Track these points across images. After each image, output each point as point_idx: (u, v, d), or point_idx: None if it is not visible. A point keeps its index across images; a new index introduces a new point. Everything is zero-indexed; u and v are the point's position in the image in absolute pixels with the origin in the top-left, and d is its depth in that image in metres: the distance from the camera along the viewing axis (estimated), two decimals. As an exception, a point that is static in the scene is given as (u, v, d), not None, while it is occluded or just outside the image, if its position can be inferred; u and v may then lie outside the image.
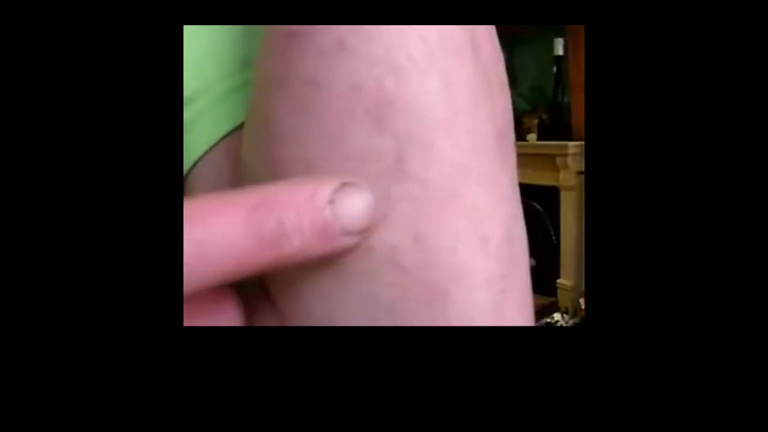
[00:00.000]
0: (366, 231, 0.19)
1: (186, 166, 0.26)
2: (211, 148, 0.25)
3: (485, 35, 0.21)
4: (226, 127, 0.25)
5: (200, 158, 0.25)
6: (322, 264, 0.20)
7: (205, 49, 0.25)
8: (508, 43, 2.69)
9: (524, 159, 2.46)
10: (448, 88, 0.19)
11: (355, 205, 0.19)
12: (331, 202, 0.18)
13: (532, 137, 2.55)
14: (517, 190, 0.23)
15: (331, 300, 0.21)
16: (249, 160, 0.22)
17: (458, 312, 0.20)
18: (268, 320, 0.23)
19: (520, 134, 2.58)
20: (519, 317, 0.22)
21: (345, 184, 0.19)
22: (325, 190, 0.18)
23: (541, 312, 2.11)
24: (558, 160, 2.33)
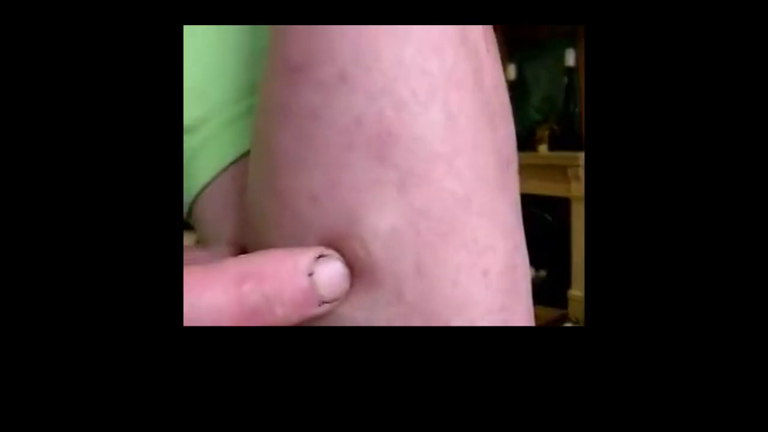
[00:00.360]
0: (340, 299, 0.20)
1: (193, 193, 0.26)
2: (218, 175, 0.25)
3: (488, 64, 0.22)
4: (232, 154, 0.25)
5: (207, 185, 0.25)
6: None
7: (210, 75, 0.25)
8: (520, 54, 2.69)
9: (535, 170, 2.46)
10: (449, 121, 0.20)
11: (331, 276, 0.20)
12: (311, 273, 0.19)
13: (543, 148, 2.55)
14: (519, 218, 0.23)
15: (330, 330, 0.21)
16: (254, 190, 0.22)
17: None
18: None
19: (532, 145, 2.58)
20: None
21: (321, 256, 0.20)
22: (305, 261, 0.19)
23: (551, 324, 2.10)
24: (569, 171, 2.33)
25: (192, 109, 0.25)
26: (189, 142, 0.25)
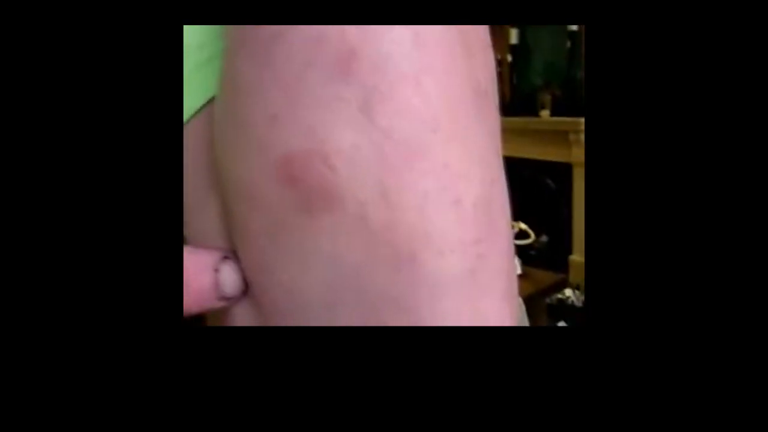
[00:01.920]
0: (237, 298, 0.21)
1: None
2: (189, 120, 0.25)
3: None
4: (202, 97, 0.24)
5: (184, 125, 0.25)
6: (289, 225, 0.20)
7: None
8: (522, 17, 2.65)
9: (537, 135, 2.44)
10: (416, 38, 0.19)
11: (234, 275, 0.21)
12: (216, 270, 0.21)
13: (545, 113, 2.53)
14: (498, 152, 0.22)
15: (294, 263, 0.20)
16: (218, 120, 0.22)
17: (428, 276, 0.19)
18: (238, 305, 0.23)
19: (534, 110, 2.56)
20: (497, 285, 0.21)
21: (226, 258, 0.21)
22: (211, 259, 0.21)
23: (552, 288, 2.11)
24: (571, 136, 2.31)
25: None
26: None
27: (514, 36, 2.67)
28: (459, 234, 0.20)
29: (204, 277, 0.20)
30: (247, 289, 0.21)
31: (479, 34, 0.21)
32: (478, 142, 0.20)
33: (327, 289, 0.20)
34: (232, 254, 0.21)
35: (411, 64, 0.19)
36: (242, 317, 0.23)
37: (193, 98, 0.24)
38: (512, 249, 0.22)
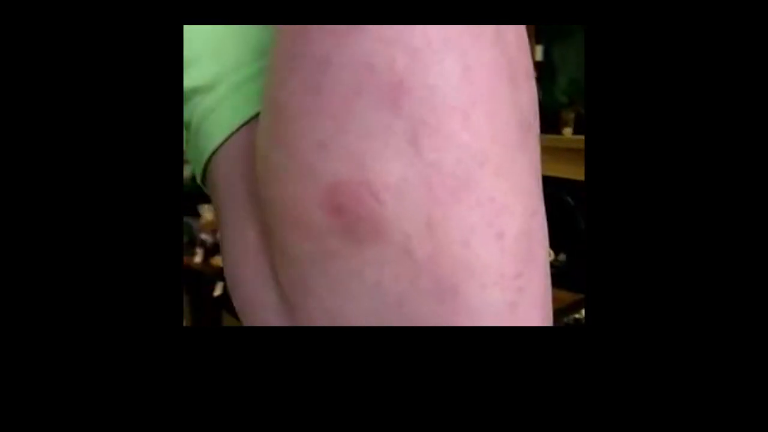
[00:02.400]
0: None
1: (207, 153, 0.26)
2: (232, 135, 0.25)
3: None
4: (243, 115, 0.24)
5: (221, 145, 0.25)
6: (333, 252, 0.20)
7: (225, 35, 0.24)
8: (548, 35, 2.64)
9: (558, 153, 2.43)
10: (466, 72, 0.19)
11: None
12: None
13: (567, 131, 2.51)
14: (539, 184, 0.22)
15: (339, 291, 0.20)
16: (262, 145, 0.22)
17: (470, 309, 0.19)
18: (277, 315, 0.23)
19: (557, 128, 2.55)
20: (536, 317, 0.21)
21: None
22: None
23: (570, 308, 2.09)
24: (593, 155, 2.29)
25: (206, 69, 0.25)
26: (204, 102, 0.25)
27: (539, 52, 2.67)
28: (501, 267, 0.20)
29: None
30: (360, 241, 0.20)
31: (524, 62, 0.21)
32: (521, 174, 0.20)
33: (369, 317, 0.20)
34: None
35: (459, 97, 0.19)
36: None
37: (233, 117, 0.25)
38: (549, 279, 0.22)
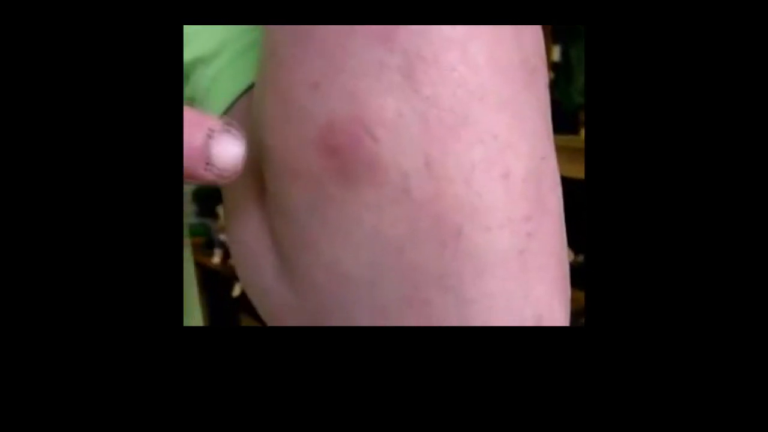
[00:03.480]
0: (229, 175, 0.18)
1: None
2: (235, 101, 0.25)
3: None
4: (245, 82, 0.24)
5: (225, 111, 0.25)
6: (330, 197, 0.19)
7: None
8: (566, 36, 2.63)
9: (575, 153, 2.40)
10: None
11: (227, 146, 0.18)
12: (210, 135, 0.18)
13: (584, 132, 2.50)
14: (549, 132, 0.21)
15: (336, 238, 0.20)
16: (258, 96, 0.22)
17: (474, 254, 0.18)
18: (276, 279, 0.22)
19: (574, 128, 2.53)
20: (547, 269, 0.20)
21: (228, 130, 0.18)
22: (206, 122, 0.18)
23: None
24: (612, 155, 2.27)
25: (208, 40, 0.25)
26: (206, 72, 0.25)
27: (556, 53, 2.65)
28: (508, 209, 0.19)
29: (195, 134, 0.18)
30: (357, 182, 0.19)
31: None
32: (528, 115, 0.19)
33: (369, 265, 0.19)
34: (236, 127, 0.19)
35: (456, 30, 0.18)
36: (279, 297, 0.23)
37: (235, 84, 0.25)
38: (564, 233, 0.21)
